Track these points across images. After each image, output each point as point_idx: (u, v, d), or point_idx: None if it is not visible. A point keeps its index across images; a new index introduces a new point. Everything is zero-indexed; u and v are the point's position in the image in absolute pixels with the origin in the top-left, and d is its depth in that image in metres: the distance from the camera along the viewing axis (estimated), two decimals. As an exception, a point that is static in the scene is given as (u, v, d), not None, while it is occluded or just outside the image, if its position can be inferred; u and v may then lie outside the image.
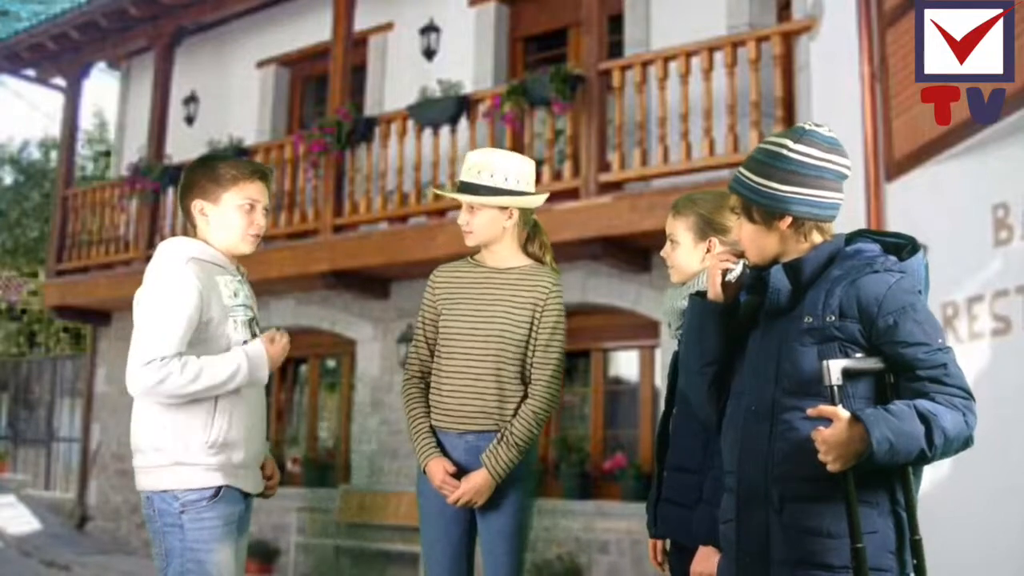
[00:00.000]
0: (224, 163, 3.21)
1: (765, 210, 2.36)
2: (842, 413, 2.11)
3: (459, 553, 3.49)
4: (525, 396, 3.50)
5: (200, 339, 3.02)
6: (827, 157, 2.34)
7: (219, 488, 3.02)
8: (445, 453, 3.48)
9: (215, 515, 3.01)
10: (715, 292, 2.46)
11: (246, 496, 3.15)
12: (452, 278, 3.60)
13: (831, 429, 2.11)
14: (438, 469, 3.44)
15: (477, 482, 3.41)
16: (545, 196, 3.69)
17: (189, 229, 3.25)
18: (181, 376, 2.92)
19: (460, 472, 3.46)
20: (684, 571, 2.94)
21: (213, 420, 3.02)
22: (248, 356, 3.04)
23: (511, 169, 3.55)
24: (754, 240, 2.41)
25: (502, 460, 3.41)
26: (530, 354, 3.51)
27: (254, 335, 3.15)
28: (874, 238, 2.42)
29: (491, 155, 3.64)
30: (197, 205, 3.16)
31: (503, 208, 3.53)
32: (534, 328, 3.51)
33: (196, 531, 2.98)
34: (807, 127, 2.37)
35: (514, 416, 3.47)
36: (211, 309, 3.03)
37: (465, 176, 3.56)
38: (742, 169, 2.41)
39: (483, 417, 3.46)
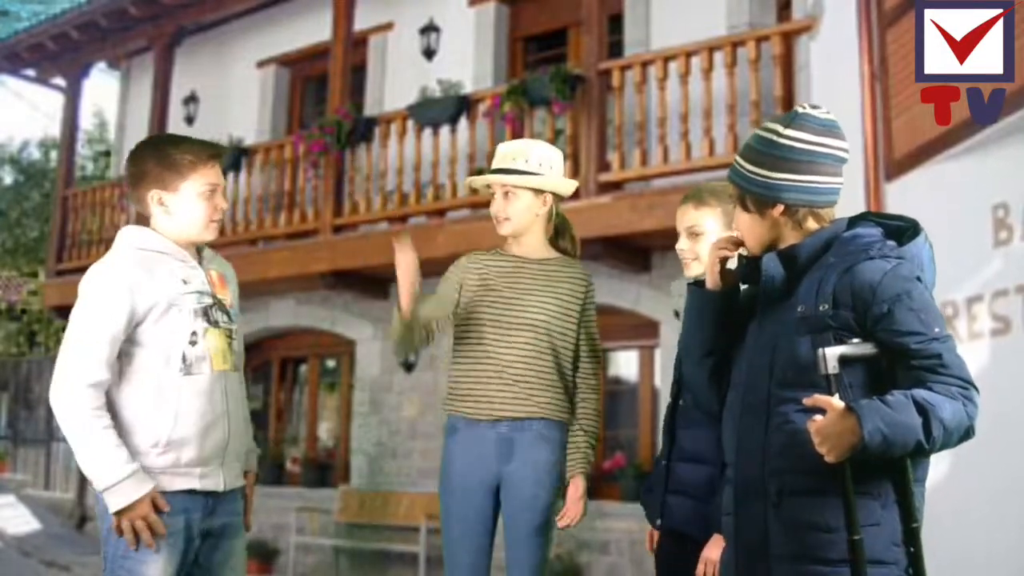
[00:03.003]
0: (177, 148, 3.01)
1: (757, 198, 2.32)
2: (836, 403, 2.07)
3: (484, 550, 3.46)
4: (563, 388, 3.51)
5: (139, 335, 2.89)
6: (820, 141, 2.28)
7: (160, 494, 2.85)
8: (474, 448, 3.46)
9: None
10: (713, 280, 2.44)
11: (217, 496, 2.97)
12: (484, 265, 3.57)
13: (824, 420, 2.07)
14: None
15: (579, 493, 3.50)
16: (576, 183, 3.69)
17: (142, 218, 3.09)
18: (97, 424, 2.80)
19: (485, 471, 3.45)
20: (675, 561, 2.93)
21: (157, 418, 2.87)
22: (126, 476, 2.80)
23: (543, 155, 3.57)
24: (750, 229, 2.37)
25: (586, 454, 3.50)
26: (572, 347, 3.53)
27: (214, 322, 3.00)
28: (877, 222, 2.36)
29: (523, 143, 3.68)
30: (154, 195, 2.99)
31: (538, 194, 3.53)
32: (578, 322, 3.54)
33: (126, 542, 2.83)
34: (800, 110, 2.32)
35: (560, 405, 3.50)
36: (146, 303, 2.88)
37: (499, 164, 3.56)
38: (737, 157, 2.38)
39: (515, 405, 3.44)
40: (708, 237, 3.01)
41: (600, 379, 3.62)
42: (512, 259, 3.58)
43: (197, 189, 3.00)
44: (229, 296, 3.12)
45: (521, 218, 3.54)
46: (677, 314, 3.11)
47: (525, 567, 3.43)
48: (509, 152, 3.57)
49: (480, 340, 3.49)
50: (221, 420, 2.98)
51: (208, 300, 3.01)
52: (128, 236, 3.05)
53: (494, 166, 3.58)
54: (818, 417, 2.10)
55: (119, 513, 2.81)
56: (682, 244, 3.08)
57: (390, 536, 9.50)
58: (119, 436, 2.84)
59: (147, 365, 2.91)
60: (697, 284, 2.51)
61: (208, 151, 3.04)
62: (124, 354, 2.91)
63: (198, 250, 3.09)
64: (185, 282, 2.97)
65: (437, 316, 3.54)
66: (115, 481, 2.80)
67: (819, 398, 2.10)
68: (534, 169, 3.52)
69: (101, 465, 2.82)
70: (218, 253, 3.25)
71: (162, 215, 3.01)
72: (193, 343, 2.94)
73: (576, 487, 3.50)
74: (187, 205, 3.00)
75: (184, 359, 2.92)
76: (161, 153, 3.01)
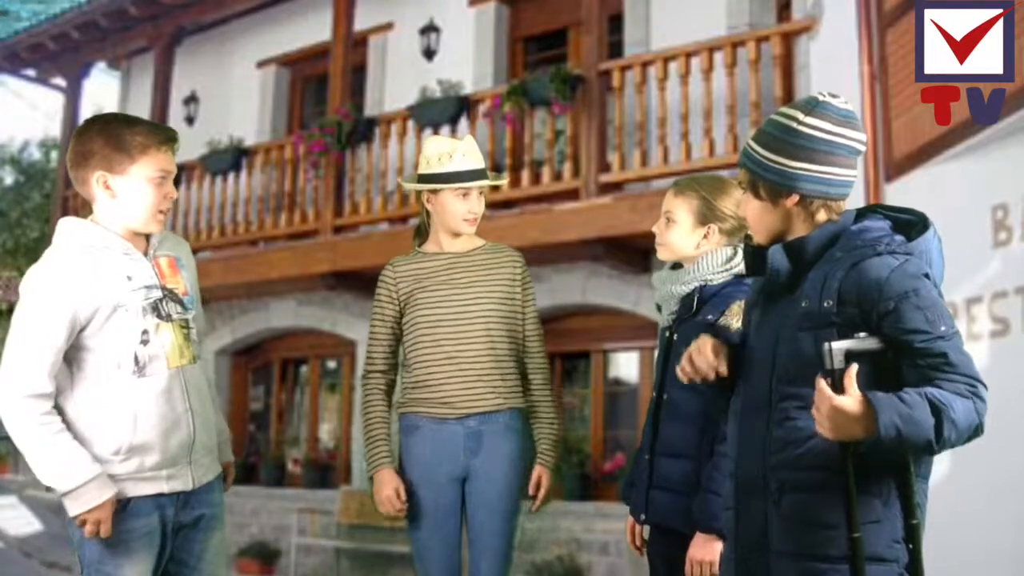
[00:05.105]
0: (129, 128, 2.81)
1: (772, 186, 2.26)
2: (856, 392, 2.02)
3: (454, 543, 3.47)
4: (520, 374, 3.54)
5: (85, 340, 2.77)
6: (839, 131, 2.22)
7: (127, 500, 2.77)
8: (441, 443, 3.46)
9: (121, 529, 2.76)
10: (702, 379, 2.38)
11: (187, 495, 2.89)
12: (414, 269, 3.56)
13: (843, 397, 2.01)
14: (391, 480, 3.44)
15: (547, 483, 3.49)
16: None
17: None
18: (49, 429, 2.71)
19: (452, 465, 3.45)
20: (668, 555, 2.92)
21: (114, 424, 2.76)
22: (91, 478, 2.71)
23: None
24: (760, 217, 2.31)
25: (549, 442, 3.52)
26: (520, 331, 3.56)
27: (166, 316, 2.85)
28: (885, 215, 2.31)
29: (471, 140, 3.66)
30: (99, 177, 2.79)
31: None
32: (518, 301, 3.56)
33: (101, 546, 2.76)
34: (820, 98, 2.25)
35: (521, 393, 3.53)
36: (89, 307, 2.75)
37: (481, 163, 3.57)
38: (751, 142, 2.30)
39: (487, 397, 3.46)
40: (679, 226, 3.02)
41: (547, 358, 3.66)
42: (442, 256, 3.57)
43: (147, 174, 2.81)
44: (182, 282, 2.94)
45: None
46: (659, 308, 3.11)
47: (494, 558, 3.43)
48: (474, 148, 3.58)
49: (436, 341, 3.47)
50: (184, 419, 2.86)
51: (157, 294, 2.84)
52: (67, 231, 2.86)
53: (478, 164, 3.55)
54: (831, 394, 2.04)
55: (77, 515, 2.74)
56: (657, 227, 3.09)
57: (391, 537, 9.49)
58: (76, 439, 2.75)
59: (98, 370, 2.78)
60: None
61: (162, 134, 2.85)
62: (72, 360, 2.79)
63: (146, 236, 2.91)
64: (130, 278, 2.80)
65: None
66: (78, 484, 2.70)
67: (823, 389, 2.04)
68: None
69: (63, 468, 2.71)
70: (172, 232, 3.06)
71: (106, 200, 2.82)
72: (145, 342, 2.80)
73: (539, 479, 3.50)
74: (135, 191, 2.80)
75: (136, 360, 2.79)
76: (110, 132, 2.80)
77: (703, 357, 2.34)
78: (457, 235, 3.56)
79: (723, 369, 2.34)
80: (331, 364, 11.78)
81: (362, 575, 9.85)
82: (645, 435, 3.04)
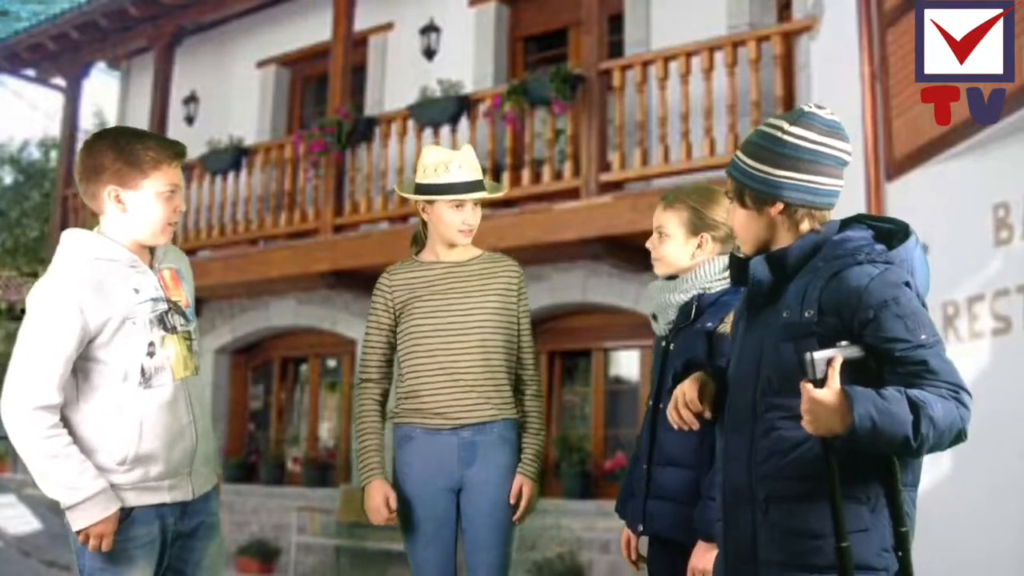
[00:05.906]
0: (140, 143, 2.84)
1: (757, 195, 2.27)
2: (835, 384, 2.02)
3: (450, 554, 3.46)
4: (513, 384, 3.52)
5: (94, 351, 2.78)
6: (824, 141, 2.24)
7: (130, 510, 2.80)
8: (435, 454, 3.45)
9: (123, 538, 2.78)
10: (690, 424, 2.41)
11: (186, 504, 2.91)
12: (410, 278, 3.53)
13: (821, 390, 2.02)
14: (380, 489, 3.45)
15: (528, 492, 3.45)
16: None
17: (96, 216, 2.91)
18: (56, 442, 2.72)
19: (446, 476, 3.44)
20: (669, 567, 2.91)
21: (120, 434, 2.78)
22: (95, 493, 2.73)
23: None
24: (746, 227, 2.32)
25: (532, 452, 3.49)
26: (516, 341, 3.54)
27: (171, 328, 2.88)
28: (868, 224, 2.31)
29: (470, 151, 3.63)
30: (111, 192, 2.81)
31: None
32: (515, 311, 3.55)
33: (102, 555, 2.78)
34: (806, 109, 2.27)
35: (514, 404, 3.51)
36: (98, 320, 2.76)
37: (478, 173, 3.54)
38: (738, 152, 2.33)
39: (480, 408, 3.44)
40: (672, 239, 3.02)
41: (538, 369, 3.65)
42: (439, 266, 3.54)
43: (158, 189, 2.84)
44: (184, 295, 2.98)
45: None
46: (655, 317, 3.11)
47: (491, 568, 3.42)
48: (471, 159, 3.54)
49: (430, 351, 3.45)
50: (187, 430, 2.90)
51: (163, 306, 2.88)
52: (73, 243, 2.88)
53: (475, 175, 3.51)
54: (816, 395, 2.05)
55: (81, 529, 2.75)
56: (651, 243, 3.09)
57: (390, 536, 9.48)
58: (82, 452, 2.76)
59: (105, 381, 2.80)
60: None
61: (172, 149, 2.88)
62: (80, 371, 2.80)
63: (150, 248, 2.94)
64: (137, 291, 2.83)
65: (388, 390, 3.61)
66: (83, 498, 2.72)
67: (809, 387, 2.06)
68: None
69: (67, 483, 2.73)
70: (174, 245, 3.09)
71: (116, 213, 2.85)
72: (151, 354, 2.83)
73: (520, 491, 3.46)
74: (146, 205, 2.84)
75: (143, 372, 2.82)
76: (122, 147, 2.83)
77: (688, 409, 2.37)
78: (453, 245, 3.56)
79: (707, 414, 2.37)
80: (331, 363, 11.79)
81: (361, 573, 9.86)
82: (642, 444, 3.02)
